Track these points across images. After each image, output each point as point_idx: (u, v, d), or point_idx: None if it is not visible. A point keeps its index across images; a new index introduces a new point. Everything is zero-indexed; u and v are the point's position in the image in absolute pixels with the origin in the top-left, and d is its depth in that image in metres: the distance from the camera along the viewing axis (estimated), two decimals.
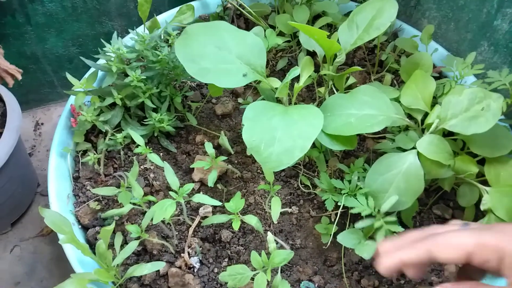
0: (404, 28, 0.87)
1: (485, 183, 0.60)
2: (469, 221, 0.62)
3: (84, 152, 0.67)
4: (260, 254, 0.52)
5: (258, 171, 0.68)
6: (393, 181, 0.55)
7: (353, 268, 0.60)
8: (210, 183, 0.60)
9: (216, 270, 0.58)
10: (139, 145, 0.59)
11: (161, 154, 0.69)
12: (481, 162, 0.61)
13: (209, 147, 0.62)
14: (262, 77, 0.61)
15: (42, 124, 1.11)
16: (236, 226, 0.55)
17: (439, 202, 0.67)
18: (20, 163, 0.86)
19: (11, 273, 0.86)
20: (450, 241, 0.41)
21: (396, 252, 0.43)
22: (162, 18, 0.81)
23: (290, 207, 0.65)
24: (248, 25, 0.87)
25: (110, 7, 0.97)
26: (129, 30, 0.68)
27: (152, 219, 0.52)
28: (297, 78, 0.63)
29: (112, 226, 0.49)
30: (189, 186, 0.55)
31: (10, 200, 0.85)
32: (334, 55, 0.66)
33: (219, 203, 0.56)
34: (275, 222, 0.59)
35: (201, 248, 0.59)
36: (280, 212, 0.64)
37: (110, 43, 0.62)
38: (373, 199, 0.55)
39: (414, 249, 0.42)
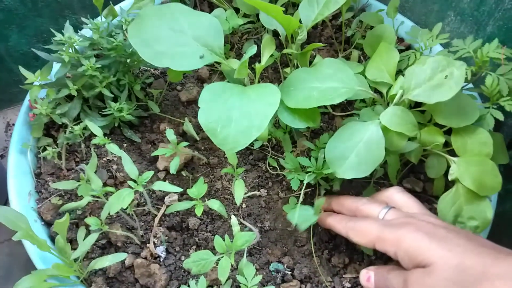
0: (372, 4, 0.85)
1: (453, 153, 0.59)
2: (439, 192, 0.61)
3: (46, 148, 0.65)
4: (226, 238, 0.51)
5: (225, 156, 0.67)
6: (354, 149, 0.54)
7: (323, 247, 0.59)
8: (172, 170, 0.59)
9: (183, 258, 0.57)
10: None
11: (125, 145, 0.67)
12: (448, 132, 0.61)
13: (170, 133, 0.60)
14: (220, 58, 0.59)
15: (13, 125, 1.08)
16: (199, 211, 0.54)
17: (409, 175, 0.66)
18: None
19: None
20: (361, 229, 0.52)
21: (329, 218, 0.57)
22: (119, 6, 0.78)
23: (259, 190, 0.64)
24: (212, 9, 0.85)
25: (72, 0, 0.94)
26: (84, 20, 0.66)
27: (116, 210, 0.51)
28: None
29: (65, 218, 0.48)
30: (148, 174, 0.54)
31: None
32: (296, 33, 0.64)
33: (180, 189, 0.54)
34: (238, 204, 0.57)
35: (167, 237, 0.58)
36: (249, 196, 0.63)
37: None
38: (331, 165, 0.54)
39: (339, 225, 0.55)
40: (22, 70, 0.62)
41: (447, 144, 0.60)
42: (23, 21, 0.92)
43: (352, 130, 0.56)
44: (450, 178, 0.57)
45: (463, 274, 0.42)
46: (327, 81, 0.58)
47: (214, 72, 0.78)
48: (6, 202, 0.93)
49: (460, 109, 0.60)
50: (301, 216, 0.54)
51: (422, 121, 0.63)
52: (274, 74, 0.77)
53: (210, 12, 0.84)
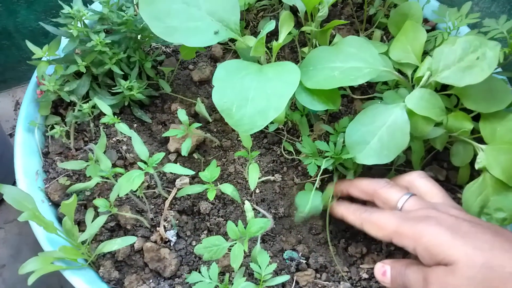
0: None
1: (480, 140, 0.56)
2: (464, 181, 0.58)
3: (53, 126, 0.63)
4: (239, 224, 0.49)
5: (238, 139, 0.64)
6: (377, 133, 0.51)
7: (340, 235, 0.57)
8: (184, 152, 0.56)
9: (194, 243, 0.55)
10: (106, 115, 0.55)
11: (135, 125, 0.65)
12: (476, 118, 0.57)
13: (182, 114, 0.58)
14: (236, 34, 0.56)
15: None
16: (211, 196, 0.51)
17: (432, 163, 0.63)
18: None
19: None
20: (378, 222, 0.48)
21: (341, 207, 0.54)
22: None
23: (273, 175, 0.61)
24: None
25: None
26: None
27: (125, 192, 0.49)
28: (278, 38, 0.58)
29: (72, 199, 0.46)
30: (159, 156, 0.52)
31: None
32: (316, 9, 0.60)
33: (192, 172, 0.52)
34: (253, 189, 0.55)
35: (177, 221, 0.56)
36: (263, 181, 0.60)
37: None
38: (351, 150, 0.51)
39: (353, 215, 0.52)
40: (29, 44, 0.60)
41: (473, 131, 0.56)
42: None
43: (375, 113, 0.53)
44: (477, 166, 0.54)
45: (490, 274, 0.39)
46: (350, 60, 0.54)
47: (228, 51, 0.74)
48: (15, 183, 0.92)
49: (490, 93, 0.56)
50: (305, 201, 0.52)
51: (448, 106, 0.59)
52: (291, 54, 0.74)
53: None
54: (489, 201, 0.53)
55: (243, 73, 0.50)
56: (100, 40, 0.57)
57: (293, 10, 0.69)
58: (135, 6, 0.63)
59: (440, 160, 0.63)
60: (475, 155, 0.55)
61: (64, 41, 0.63)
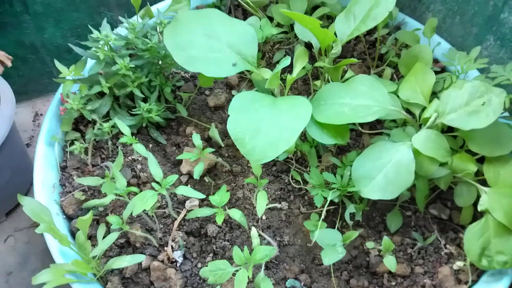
0: (408, 22, 0.84)
1: (484, 182, 0.57)
2: (466, 222, 0.59)
3: (73, 142, 0.66)
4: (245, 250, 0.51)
5: (249, 165, 0.66)
6: (383, 169, 0.53)
7: (343, 267, 0.58)
8: (196, 175, 0.59)
9: (199, 265, 0.57)
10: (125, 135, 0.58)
11: (151, 145, 0.68)
12: (481, 160, 0.59)
13: (196, 138, 0.60)
14: (253, 67, 0.59)
15: (41, 115, 1.11)
16: (219, 220, 0.53)
17: (436, 201, 0.64)
18: (14, 152, 0.86)
19: (4, 262, 0.86)
20: None
21: None
22: (156, 7, 0.79)
23: (280, 203, 0.63)
24: (246, 16, 0.85)
25: None
26: (121, 19, 0.66)
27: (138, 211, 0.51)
28: (292, 70, 0.61)
29: (89, 215, 0.48)
30: (173, 178, 0.54)
31: (4, 190, 0.84)
32: (330, 46, 0.63)
33: (203, 196, 0.54)
34: (260, 216, 0.57)
35: (185, 242, 0.58)
36: (269, 208, 0.62)
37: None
38: (357, 184, 0.53)
39: None
40: (57, 64, 0.63)
41: (478, 172, 0.58)
42: (60, 14, 0.94)
43: (382, 149, 0.55)
44: (479, 208, 0.55)
45: None
46: (360, 98, 0.57)
47: (243, 80, 0.77)
48: (27, 192, 0.94)
49: (495, 138, 0.58)
50: (327, 252, 0.52)
51: (453, 147, 0.61)
52: (304, 86, 0.77)
53: (244, 19, 0.84)
54: (490, 243, 0.54)
55: (258, 105, 0.53)
56: (124, 64, 0.60)
57: (308, 44, 0.72)
58: (159, 34, 0.67)
59: (444, 199, 0.65)
60: (479, 196, 0.57)
61: (90, 61, 0.66)
